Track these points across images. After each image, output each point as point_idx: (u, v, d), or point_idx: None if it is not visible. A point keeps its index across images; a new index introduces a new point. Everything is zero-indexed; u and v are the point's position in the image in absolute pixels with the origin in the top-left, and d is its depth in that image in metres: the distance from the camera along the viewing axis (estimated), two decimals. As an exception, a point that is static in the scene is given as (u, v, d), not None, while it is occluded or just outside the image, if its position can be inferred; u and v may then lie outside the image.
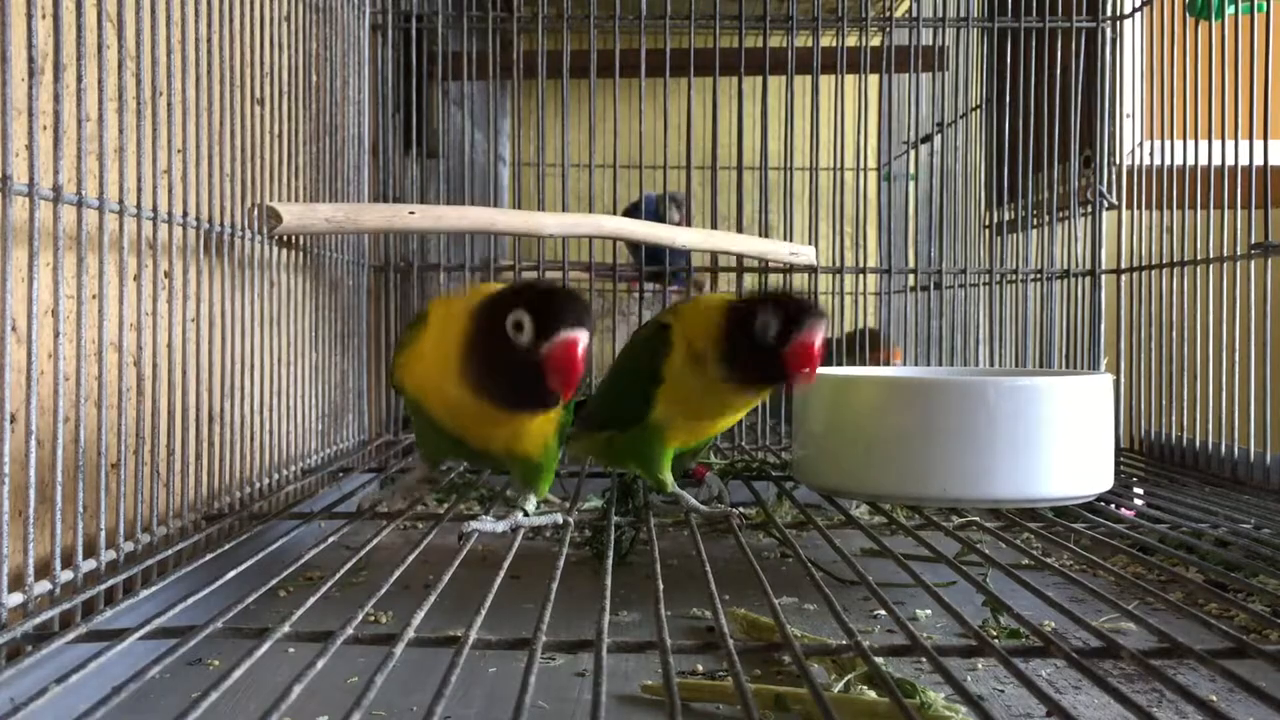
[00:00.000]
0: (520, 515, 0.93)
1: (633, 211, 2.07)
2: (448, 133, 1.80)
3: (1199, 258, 1.39)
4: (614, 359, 1.18)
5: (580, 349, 0.80)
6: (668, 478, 1.05)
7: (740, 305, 0.97)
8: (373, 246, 1.63)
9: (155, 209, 0.89)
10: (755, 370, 0.95)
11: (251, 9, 1.13)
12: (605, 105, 1.63)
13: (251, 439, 1.12)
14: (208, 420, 1.01)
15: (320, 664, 0.56)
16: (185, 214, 0.95)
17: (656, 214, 2.23)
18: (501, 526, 0.91)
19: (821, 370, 1.29)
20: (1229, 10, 1.35)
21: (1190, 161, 1.43)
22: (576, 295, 0.83)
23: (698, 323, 0.99)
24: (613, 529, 0.95)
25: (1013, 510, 1.03)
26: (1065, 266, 1.68)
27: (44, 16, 0.75)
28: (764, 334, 0.93)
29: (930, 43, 1.78)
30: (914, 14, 1.77)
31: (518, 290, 0.83)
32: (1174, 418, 1.44)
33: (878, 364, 1.76)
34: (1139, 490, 1.28)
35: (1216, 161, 1.35)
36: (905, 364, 1.75)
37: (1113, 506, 1.11)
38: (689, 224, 1.94)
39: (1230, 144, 1.32)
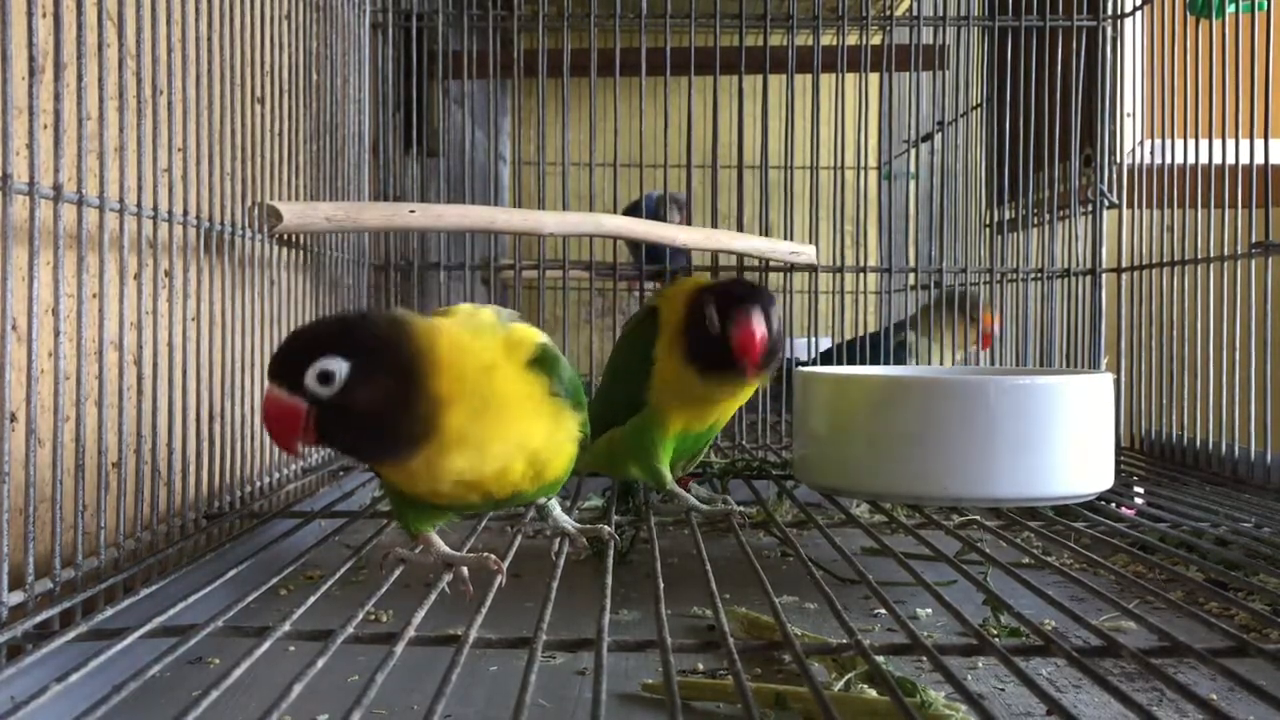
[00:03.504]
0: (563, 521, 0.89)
1: (633, 211, 2.07)
2: (448, 131, 1.80)
3: (1199, 257, 1.39)
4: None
5: None
6: (667, 473, 1.05)
7: (699, 293, 0.99)
8: (373, 245, 1.63)
9: (155, 208, 0.89)
10: (711, 360, 0.97)
11: (252, 8, 1.13)
12: (606, 104, 1.63)
13: (252, 438, 1.12)
14: (208, 419, 1.01)
15: (321, 663, 0.56)
16: (185, 213, 0.95)
17: (656, 214, 2.23)
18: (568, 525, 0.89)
19: (821, 370, 1.29)
20: (1229, 9, 1.35)
21: (1191, 160, 1.43)
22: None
23: (675, 309, 1.02)
24: (613, 528, 0.95)
25: (1013, 509, 1.03)
26: (1066, 265, 1.68)
27: (44, 15, 0.75)
28: (710, 324, 0.96)
29: (931, 41, 1.78)
30: (914, 13, 1.76)
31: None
32: (1174, 417, 1.44)
33: (971, 326, 1.74)
34: (1139, 489, 1.28)
35: (1217, 160, 1.35)
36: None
37: (1113, 505, 1.11)
38: (689, 223, 1.93)
39: (1231, 143, 1.32)
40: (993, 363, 1.75)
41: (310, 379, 0.64)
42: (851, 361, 1.71)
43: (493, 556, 0.76)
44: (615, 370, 1.12)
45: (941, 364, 1.75)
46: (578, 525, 0.89)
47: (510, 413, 0.71)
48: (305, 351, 0.65)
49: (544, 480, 0.76)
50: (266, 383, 0.66)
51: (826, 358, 1.77)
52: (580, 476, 1.26)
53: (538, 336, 0.76)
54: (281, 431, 0.66)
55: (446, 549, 0.78)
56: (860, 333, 1.75)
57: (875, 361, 1.72)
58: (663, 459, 1.05)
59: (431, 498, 0.74)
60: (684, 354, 1.00)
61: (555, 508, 0.90)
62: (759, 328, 0.94)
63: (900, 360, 1.75)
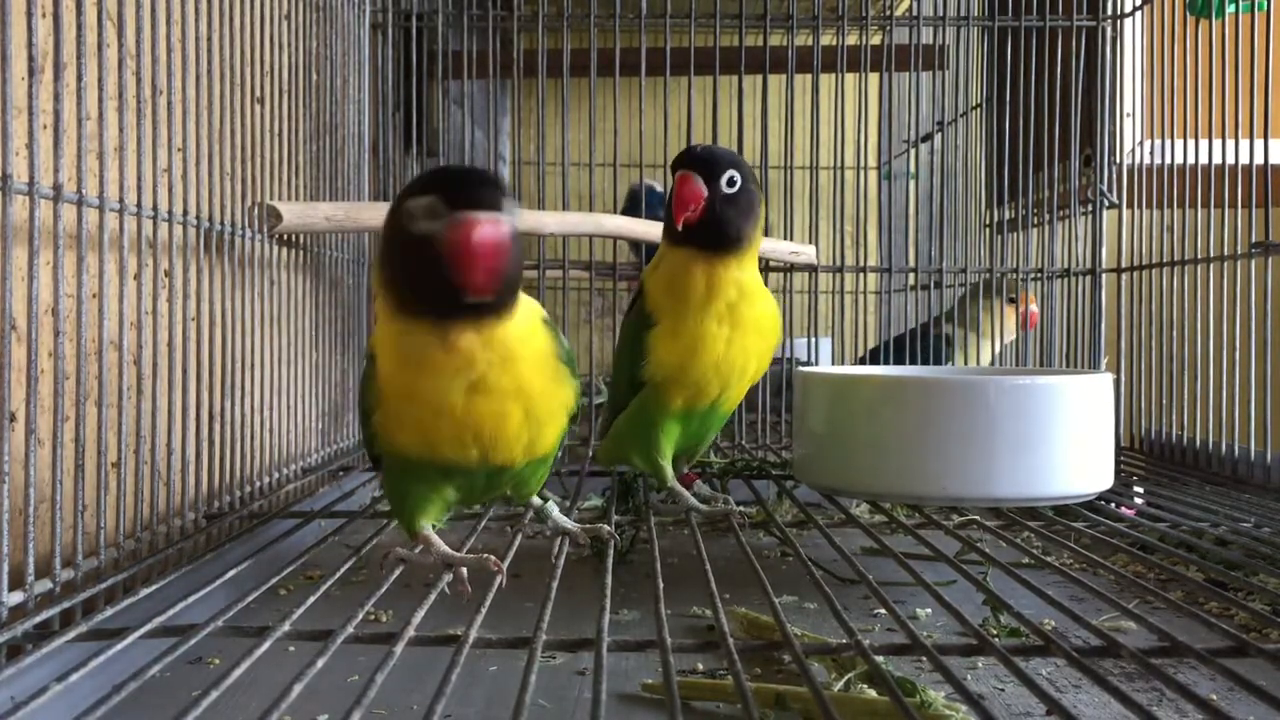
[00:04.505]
0: (561, 519, 0.89)
1: (634, 198, 2.06)
2: (448, 131, 1.80)
3: (1199, 257, 1.39)
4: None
5: (487, 231, 0.66)
6: (668, 469, 1.05)
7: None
8: (373, 245, 1.63)
9: (155, 208, 0.89)
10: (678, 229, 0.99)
11: (251, 8, 1.13)
12: (605, 104, 1.63)
13: (251, 438, 1.12)
14: (208, 419, 1.01)
15: (321, 663, 0.56)
16: (185, 213, 0.95)
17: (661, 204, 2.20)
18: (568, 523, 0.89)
19: (822, 369, 1.29)
20: (1229, 9, 1.35)
21: (1191, 160, 1.43)
22: (487, 176, 0.71)
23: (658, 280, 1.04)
24: (613, 528, 0.95)
25: (1013, 509, 1.03)
26: (1066, 265, 1.68)
27: (44, 15, 0.75)
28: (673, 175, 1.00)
29: (931, 41, 1.78)
30: (914, 13, 1.76)
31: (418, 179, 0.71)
32: (1174, 416, 1.44)
33: (1010, 308, 1.74)
34: (1139, 489, 1.28)
35: (1217, 160, 1.35)
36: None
37: (1113, 505, 1.11)
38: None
39: (1231, 143, 1.32)
40: (993, 362, 1.75)
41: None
42: (899, 361, 1.70)
43: (492, 557, 0.76)
44: (618, 357, 1.12)
45: (991, 353, 1.74)
46: (578, 525, 0.89)
47: (521, 355, 0.73)
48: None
49: (535, 450, 0.77)
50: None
51: (874, 357, 1.76)
52: (581, 476, 1.26)
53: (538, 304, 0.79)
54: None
55: (446, 549, 0.78)
56: (859, 332, 1.75)
57: (923, 360, 1.71)
58: (664, 449, 1.04)
59: (439, 438, 0.74)
60: (667, 240, 1.02)
61: (554, 509, 0.90)
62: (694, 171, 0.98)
63: (946, 356, 1.74)
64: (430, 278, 0.68)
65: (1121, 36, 1.62)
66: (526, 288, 0.77)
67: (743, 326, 1.01)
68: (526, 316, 0.74)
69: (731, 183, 0.98)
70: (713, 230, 0.98)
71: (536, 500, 0.88)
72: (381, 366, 0.74)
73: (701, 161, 0.98)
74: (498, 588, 0.73)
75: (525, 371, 0.73)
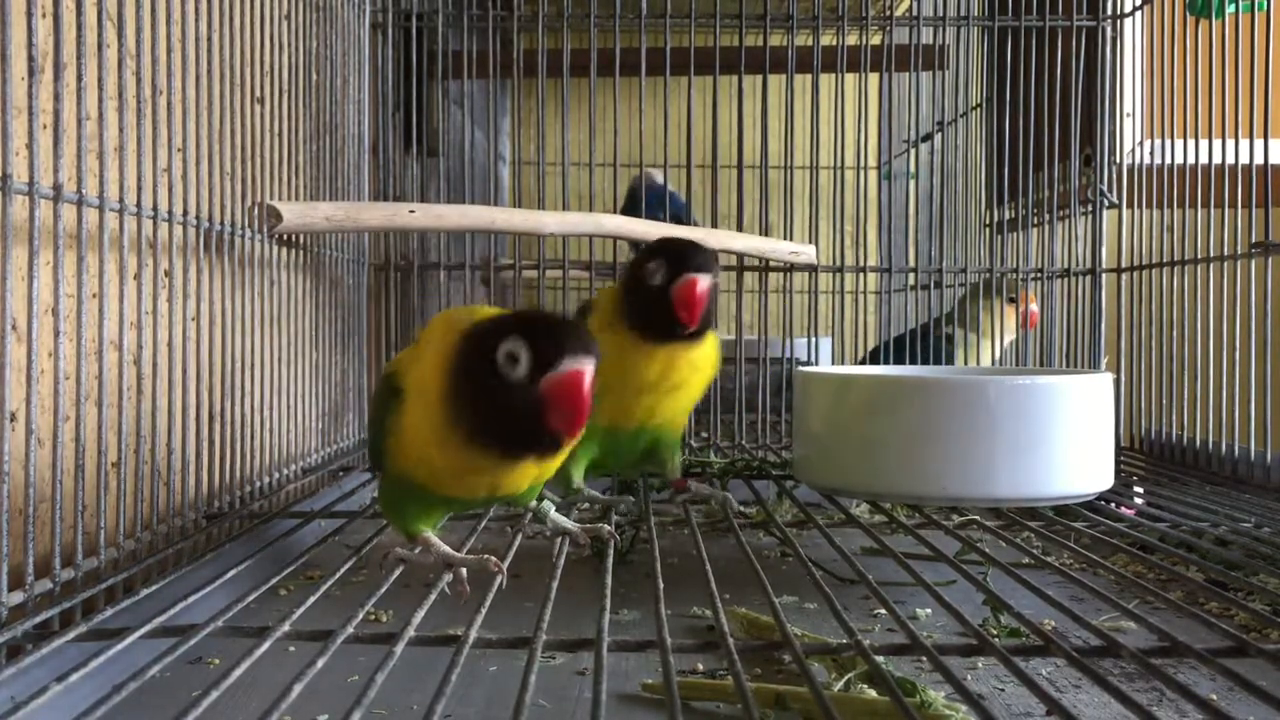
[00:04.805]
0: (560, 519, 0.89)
1: (633, 196, 2.05)
2: (448, 131, 1.80)
3: (1199, 257, 1.39)
4: None
5: (587, 381, 0.68)
6: (575, 473, 1.05)
7: (643, 255, 1.03)
8: (373, 245, 1.63)
9: (155, 208, 0.89)
10: (647, 315, 0.99)
11: (251, 8, 1.13)
12: (605, 104, 1.63)
13: (251, 438, 1.12)
14: (208, 419, 1.01)
15: (321, 663, 0.56)
16: (185, 213, 0.95)
17: (660, 200, 2.17)
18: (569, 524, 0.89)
19: (822, 369, 1.29)
20: (1229, 9, 1.35)
21: (1191, 160, 1.43)
22: (576, 324, 0.73)
23: (609, 293, 1.06)
24: (613, 528, 0.95)
25: (1013, 509, 1.03)
26: (1066, 265, 1.68)
27: (44, 15, 0.75)
28: (651, 277, 0.98)
29: (931, 41, 1.78)
30: (914, 13, 1.76)
31: (507, 319, 0.71)
32: (1174, 416, 1.44)
33: (1010, 307, 1.74)
34: (1139, 489, 1.28)
35: (1217, 160, 1.35)
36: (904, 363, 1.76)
37: (1113, 505, 1.11)
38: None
39: (1231, 143, 1.32)
40: (996, 363, 1.75)
41: None
42: (900, 362, 1.70)
43: (493, 558, 0.76)
44: None
45: (992, 354, 1.74)
46: (578, 525, 0.89)
47: None
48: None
49: (540, 479, 0.78)
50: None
51: (875, 357, 1.76)
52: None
53: None
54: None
55: (446, 549, 0.78)
56: (859, 332, 1.75)
57: (924, 360, 1.71)
58: (578, 456, 1.04)
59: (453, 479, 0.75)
60: (619, 320, 1.01)
61: (551, 508, 0.90)
62: (703, 283, 0.97)
63: (947, 356, 1.74)
64: None
65: (1121, 36, 1.62)
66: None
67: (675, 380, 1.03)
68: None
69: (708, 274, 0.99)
70: (701, 328, 1.00)
71: (532, 502, 0.88)
72: (410, 403, 0.74)
73: (706, 264, 0.99)
74: (498, 588, 0.73)
75: None
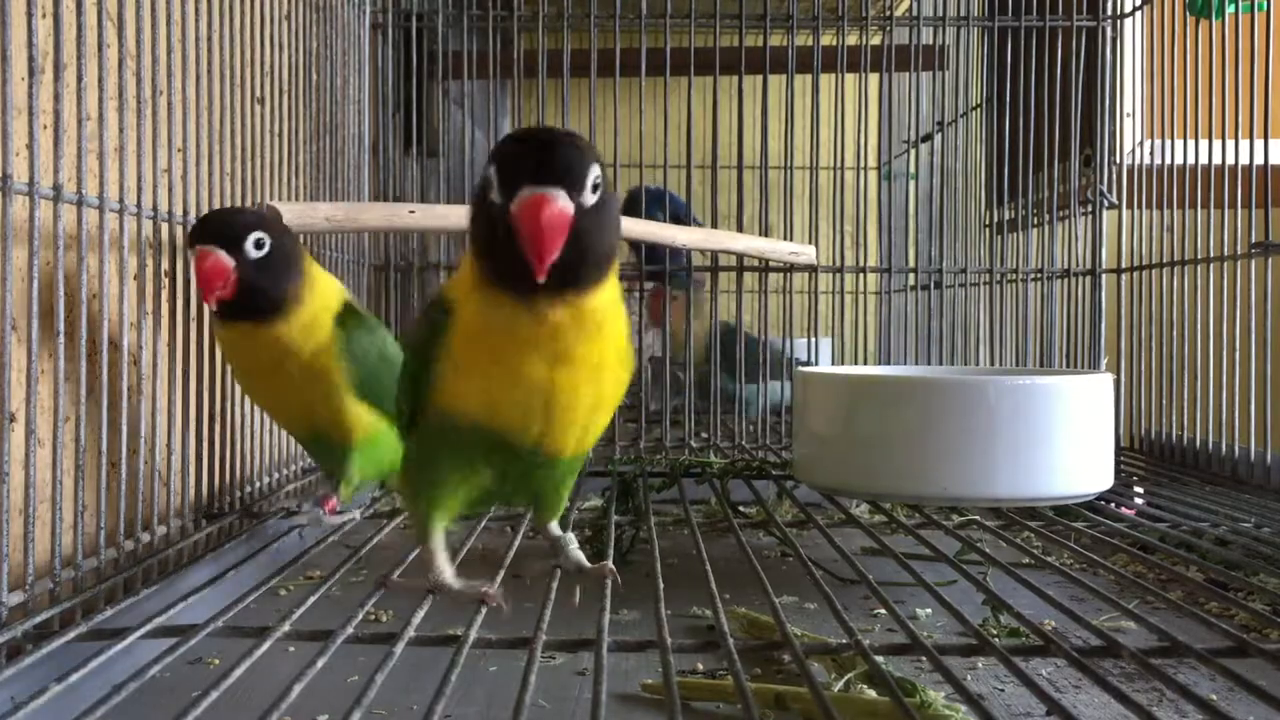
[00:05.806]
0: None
1: (633, 199, 2.05)
2: (448, 132, 1.80)
3: (1199, 257, 1.39)
4: None
5: (550, 211, 0.61)
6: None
7: None
8: (373, 245, 1.63)
9: (155, 208, 0.89)
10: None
11: (251, 8, 1.13)
12: (605, 104, 1.63)
13: (251, 438, 1.12)
14: (208, 419, 1.01)
15: (320, 663, 0.56)
16: (185, 213, 0.95)
17: (659, 204, 2.17)
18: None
19: (821, 370, 1.29)
20: (1229, 9, 1.35)
21: (1191, 161, 1.43)
22: (559, 139, 0.64)
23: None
24: (613, 528, 0.95)
25: (1013, 509, 1.03)
26: (1066, 266, 1.68)
27: (44, 16, 0.75)
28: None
29: (930, 42, 1.78)
30: (914, 13, 1.76)
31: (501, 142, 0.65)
32: (1174, 417, 1.44)
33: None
34: (1139, 489, 1.28)
35: (1217, 161, 1.35)
36: (904, 363, 1.76)
37: (1113, 505, 1.11)
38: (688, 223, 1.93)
39: (1231, 143, 1.32)
40: (992, 363, 1.75)
41: None
42: None
43: (489, 590, 0.70)
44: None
45: None
46: (587, 564, 0.79)
47: (607, 332, 0.70)
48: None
49: (585, 441, 0.72)
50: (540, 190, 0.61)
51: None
52: (581, 476, 1.26)
53: None
54: None
55: (444, 578, 0.72)
56: (859, 332, 1.75)
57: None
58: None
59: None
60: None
61: (572, 542, 0.81)
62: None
63: None
64: (506, 254, 0.64)
65: (1121, 36, 1.62)
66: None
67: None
68: (612, 292, 0.69)
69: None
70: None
71: (555, 529, 0.80)
72: (462, 320, 0.69)
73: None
74: (497, 587, 0.73)
75: (608, 349, 0.69)
